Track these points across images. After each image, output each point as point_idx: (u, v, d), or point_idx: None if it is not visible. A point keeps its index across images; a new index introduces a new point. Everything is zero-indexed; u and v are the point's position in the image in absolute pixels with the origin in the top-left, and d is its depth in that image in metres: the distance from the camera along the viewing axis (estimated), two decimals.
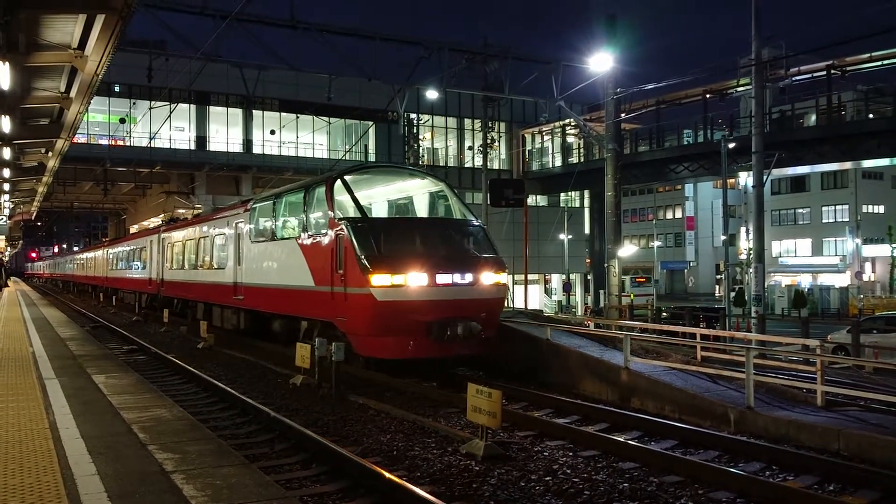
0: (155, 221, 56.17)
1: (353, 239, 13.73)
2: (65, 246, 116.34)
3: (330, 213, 14.91)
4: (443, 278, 13.59)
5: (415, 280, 13.29)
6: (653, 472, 8.73)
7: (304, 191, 16.65)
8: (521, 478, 8.42)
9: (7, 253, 77.32)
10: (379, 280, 13.12)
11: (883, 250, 67.25)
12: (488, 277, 14.23)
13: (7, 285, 56.06)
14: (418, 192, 17.78)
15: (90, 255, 57.73)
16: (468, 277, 13.94)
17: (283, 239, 17.54)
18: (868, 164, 51.35)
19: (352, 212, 14.85)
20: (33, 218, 72.46)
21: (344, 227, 14.09)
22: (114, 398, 9.53)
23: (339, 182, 15.35)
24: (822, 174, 68.42)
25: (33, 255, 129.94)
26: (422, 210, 17.53)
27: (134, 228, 62.82)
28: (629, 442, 9.93)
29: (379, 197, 18.90)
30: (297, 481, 8.26)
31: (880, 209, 71.95)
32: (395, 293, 13.19)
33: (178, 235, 28.18)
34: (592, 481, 8.32)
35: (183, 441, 7.22)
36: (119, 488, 5.63)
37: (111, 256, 45.17)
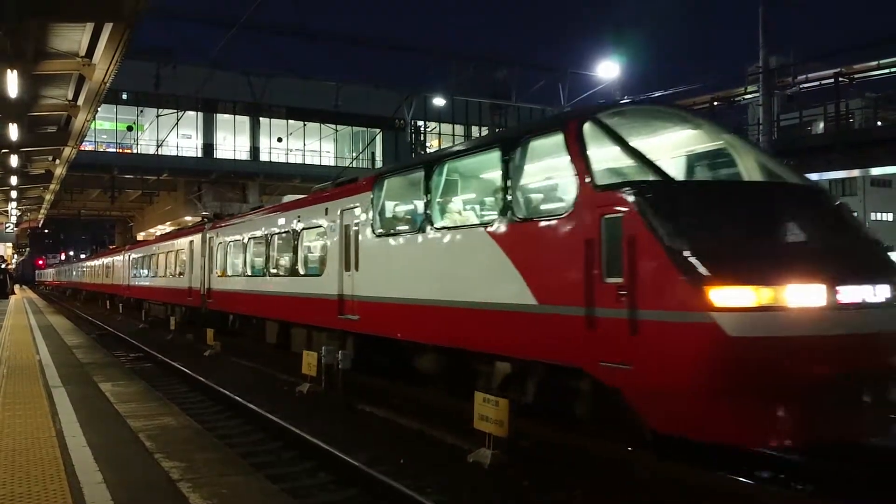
0: (163, 228, 56.24)
1: (658, 220, 7.71)
2: (71, 253, 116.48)
3: (581, 177, 8.69)
4: (849, 293, 7.53)
5: (799, 296, 7.30)
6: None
7: (501, 146, 10.35)
8: (529, 487, 8.36)
9: (14, 260, 77.38)
10: (732, 297, 7.22)
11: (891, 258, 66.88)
12: None
13: (14, 293, 56.17)
14: (697, 147, 10.52)
15: (108, 260, 50.82)
16: (885, 291, 7.80)
17: (449, 228, 11.38)
18: (876, 171, 51.18)
19: (632, 172, 8.91)
20: (40, 225, 72.80)
21: (629, 198, 7.97)
22: (120, 406, 9.52)
23: (589, 125, 9.17)
24: (831, 181, 68.11)
25: (40, 262, 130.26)
26: (714, 174, 10.65)
27: (141, 236, 62.89)
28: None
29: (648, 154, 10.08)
30: (304, 490, 8.22)
31: (889, 217, 71.71)
32: (765, 322, 7.22)
33: (234, 233, 22.08)
34: (601, 490, 8.26)
35: (189, 449, 7.20)
36: (125, 497, 5.61)
37: (135, 262, 39.12)
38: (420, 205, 12.27)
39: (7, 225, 52.65)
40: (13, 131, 21.01)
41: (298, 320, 17.12)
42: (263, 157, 54.54)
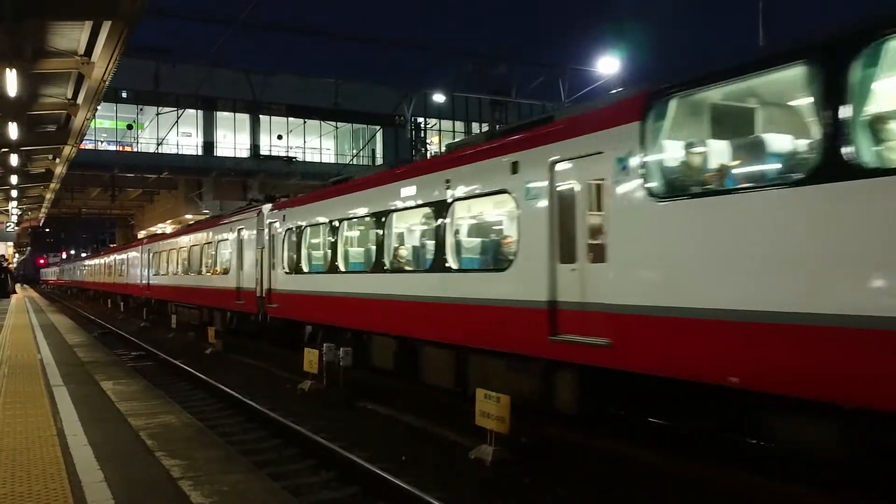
0: (163, 227, 56.12)
1: None
2: (73, 252, 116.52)
3: None
4: None
5: None
6: None
7: None
8: (531, 484, 8.35)
9: (15, 259, 77.43)
10: None
11: None
12: None
13: (15, 292, 56.18)
14: None
15: (121, 256, 44.94)
16: None
17: None
18: None
19: None
20: (41, 224, 72.77)
21: None
22: (121, 405, 9.52)
23: None
24: None
25: (41, 261, 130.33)
26: None
27: (142, 234, 62.77)
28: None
29: None
30: (306, 487, 8.22)
31: None
32: None
33: (318, 214, 16.36)
34: (603, 487, 8.25)
35: (190, 447, 7.19)
36: (126, 495, 5.60)
37: (156, 257, 33.46)
38: (790, 137, 7.31)
39: (8, 224, 52.66)
40: (13, 130, 21.01)
41: (443, 338, 11.59)
42: (264, 154, 54.51)
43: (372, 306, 13.59)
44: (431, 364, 12.17)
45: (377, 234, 13.48)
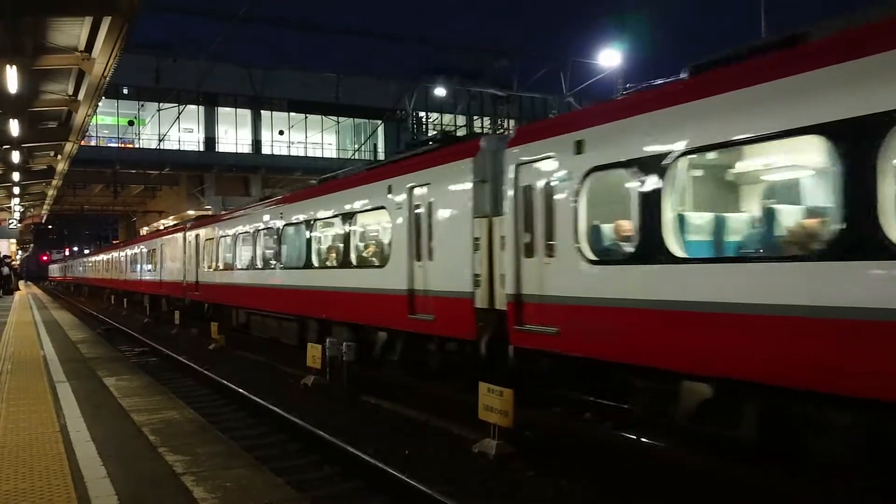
0: (165, 223, 56.10)
1: None
2: (76, 249, 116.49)
3: None
4: None
5: None
6: None
7: None
8: (534, 478, 8.34)
9: (19, 256, 77.48)
10: None
11: None
12: None
13: (18, 289, 56.21)
14: None
15: (151, 246, 35.42)
16: None
17: None
18: None
19: None
20: (44, 221, 72.78)
21: None
22: (124, 401, 9.51)
23: None
24: None
25: (44, 258, 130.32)
26: None
27: (144, 231, 62.67)
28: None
29: None
30: (309, 482, 8.21)
31: None
32: None
33: (743, 116, 6.74)
34: (606, 481, 8.23)
35: (193, 443, 7.18)
36: (129, 491, 5.59)
37: (213, 246, 24.47)
38: None
39: (10, 221, 52.70)
40: (14, 127, 21.00)
41: None
42: (265, 149, 54.48)
43: None
44: None
45: None
